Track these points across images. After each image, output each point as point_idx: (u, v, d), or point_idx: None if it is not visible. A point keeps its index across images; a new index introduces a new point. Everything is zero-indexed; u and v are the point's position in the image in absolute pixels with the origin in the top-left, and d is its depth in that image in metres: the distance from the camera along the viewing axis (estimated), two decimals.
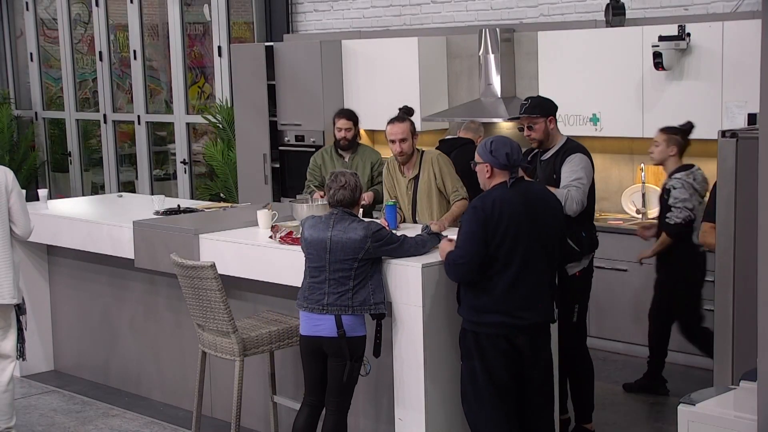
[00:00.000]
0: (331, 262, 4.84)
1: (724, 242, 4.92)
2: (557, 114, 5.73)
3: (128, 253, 6.35)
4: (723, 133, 4.93)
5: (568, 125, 7.39)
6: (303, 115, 8.89)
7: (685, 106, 6.99)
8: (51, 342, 7.53)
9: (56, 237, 6.98)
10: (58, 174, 12.99)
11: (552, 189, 5.38)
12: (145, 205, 7.09)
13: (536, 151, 5.78)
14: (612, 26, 7.45)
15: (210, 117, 10.20)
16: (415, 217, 6.13)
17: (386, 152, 6.68)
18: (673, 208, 6.20)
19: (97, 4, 11.80)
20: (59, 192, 12.66)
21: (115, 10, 11.80)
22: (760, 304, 3.53)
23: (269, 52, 9.05)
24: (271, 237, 5.62)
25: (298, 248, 5.09)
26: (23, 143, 12.59)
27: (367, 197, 6.77)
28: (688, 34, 6.89)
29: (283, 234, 5.54)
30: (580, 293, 5.71)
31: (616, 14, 7.46)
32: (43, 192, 7.60)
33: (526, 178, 4.94)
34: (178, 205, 6.89)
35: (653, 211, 7.33)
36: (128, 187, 11.85)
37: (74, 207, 7.59)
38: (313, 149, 8.00)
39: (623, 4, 7.50)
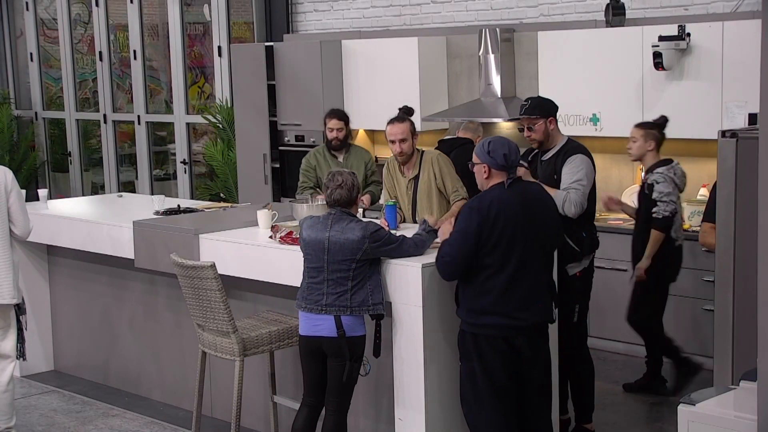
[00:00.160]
0: (329, 263, 4.83)
1: (724, 242, 4.92)
2: (557, 114, 5.73)
3: (128, 253, 6.35)
4: (723, 133, 4.93)
5: (568, 125, 7.39)
6: (303, 115, 8.89)
7: (685, 106, 6.99)
8: (51, 342, 7.53)
9: (56, 237, 6.98)
10: (58, 174, 12.99)
11: (552, 190, 5.39)
12: (145, 205, 7.09)
13: (536, 151, 5.78)
14: (612, 26, 7.45)
15: (210, 117, 10.20)
16: (415, 217, 6.12)
17: (386, 152, 6.69)
18: (659, 203, 6.19)
19: (97, 4, 11.80)
20: (59, 192, 12.66)
21: (115, 10, 11.80)
22: (760, 304, 3.53)
23: (269, 52, 9.05)
24: (271, 237, 5.62)
25: (298, 248, 5.09)
26: (23, 143, 12.59)
27: (365, 200, 6.78)
28: (688, 34, 6.89)
29: (283, 234, 5.54)
30: (580, 293, 5.71)
31: (616, 14, 7.46)
32: (43, 192, 7.60)
33: (525, 179, 4.94)
34: (178, 205, 6.89)
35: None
36: (128, 187, 11.85)
37: (74, 207, 7.59)
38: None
39: (623, 4, 7.50)
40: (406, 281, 4.84)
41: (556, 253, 5.03)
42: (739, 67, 6.71)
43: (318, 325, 4.86)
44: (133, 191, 11.31)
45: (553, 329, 5.01)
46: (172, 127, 11.20)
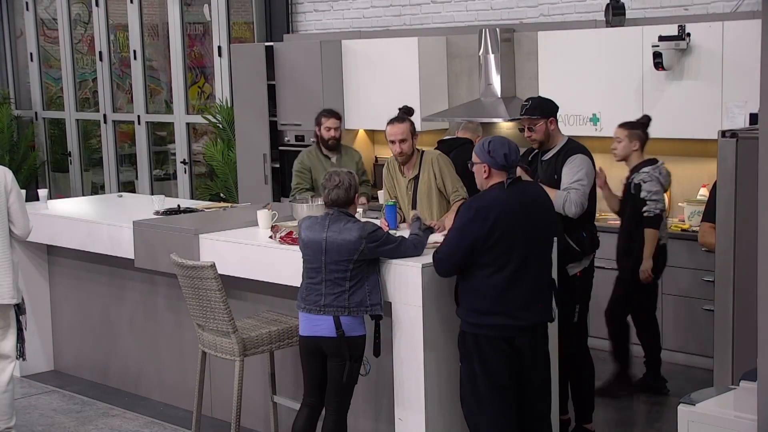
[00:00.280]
0: (326, 264, 4.83)
1: (724, 242, 4.92)
2: (558, 114, 5.73)
3: (128, 253, 6.35)
4: (723, 133, 4.93)
5: (568, 125, 7.39)
6: (303, 115, 8.88)
7: (685, 106, 6.99)
8: (51, 342, 7.53)
9: (56, 237, 6.98)
10: (58, 174, 12.99)
11: (552, 191, 5.39)
12: (145, 205, 7.09)
13: (536, 151, 5.78)
14: (612, 26, 7.45)
15: (210, 117, 10.20)
16: None
17: (386, 152, 6.68)
18: (648, 201, 6.22)
19: (97, 4, 11.80)
20: (59, 192, 12.66)
21: (115, 10, 11.80)
22: (760, 304, 3.53)
23: (269, 52, 9.05)
24: (271, 237, 5.62)
25: (298, 248, 5.09)
26: (23, 143, 12.58)
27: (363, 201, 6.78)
28: (688, 34, 6.89)
29: (283, 234, 5.54)
30: (581, 293, 5.71)
31: (616, 14, 7.46)
32: (43, 192, 7.60)
33: (524, 178, 4.94)
34: (178, 205, 6.89)
35: None
36: (128, 187, 11.85)
37: (74, 207, 7.59)
38: None
39: (623, 4, 7.50)
40: (406, 281, 4.84)
41: (555, 253, 5.03)
42: (739, 67, 6.71)
43: (317, 325, 4.86)
44: (133, 191, 11.31)
45: (553, 329, 5.01)
46: (172, 127, 11.20)
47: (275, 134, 9.16)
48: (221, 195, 9.99)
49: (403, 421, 4.97)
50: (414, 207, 6.12)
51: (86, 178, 12.56)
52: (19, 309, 5.86)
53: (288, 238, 5.47)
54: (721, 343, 4.95)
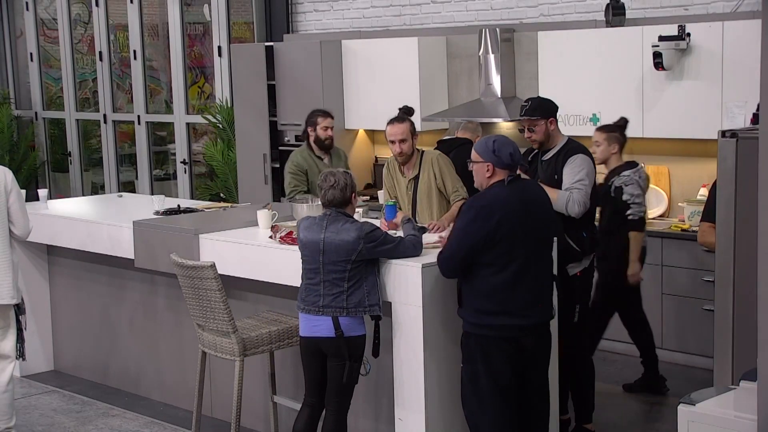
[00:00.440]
0: (324, 264, 4.83)
1: (724, 242, 4.92)
2: (557, 114, 5.73)
3: (128, 253, 6.35)
4: (723, 133, 4.92)
5: (568, 125, 7.39)
6: (303, 115, 8.78)
7: (685, 106, 6.99)
8: (51, 342, 7.53)
9: (56, 237, 6.98)
10: (58, 174, 12.99)
11: (554, 191, 5.39)
12: (145, 205, 7.09)
13: (536, 151, 5.78)
14: (612, 26, 7.45)
15: (210, 117, 10.20)
16: (415, 217, 6.12)
17: (386, 152, 6.68)
18: (632, 204, 6.20)
19: (97, 4, 11.80)
20: (59, 192, 12.66)
21: (115, 10, 11.80)
22: (760, 304, 3.53)
23: (269, 52, 9.05)
24: (271, 237, 5.62)
25: (298, 248, 5.09)
26: (23, 143, 12.58)
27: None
28: (688, 34, 6.89)
29: (283, 234, 5.54)
30: (581, 293, 5.71)
31: (616, 14, 7.46)
32: (43, 192, 7.60)
33: (523, 176, 4.94)
34: (178, 205, 6.89)
35: (652, 211, 7.33)
36: (128, 187, 11.85)
37: (74, 207, 7.59)
38: None
39: (623, 4, 7.50)
40: (406, 281, 4.84)
41: (555, 252, 5.03)
42: (739, 67, 6.71)
43: (316, 326, 4.86)
44: (133, 191, 11.31)
45: (553, 329, 5.01)
46: (172, 127, 11.20)
47: (275, 134, 9.16)
48: (221, 195, 9.99)
49: (403, 421, 4.97)
50: (414, 207, 6.12)
51: (86, 178, 12.56)
52: (19, 309, 5.86)
53: (288, 238, 5.47)
54: (721, 343, 4.95)
